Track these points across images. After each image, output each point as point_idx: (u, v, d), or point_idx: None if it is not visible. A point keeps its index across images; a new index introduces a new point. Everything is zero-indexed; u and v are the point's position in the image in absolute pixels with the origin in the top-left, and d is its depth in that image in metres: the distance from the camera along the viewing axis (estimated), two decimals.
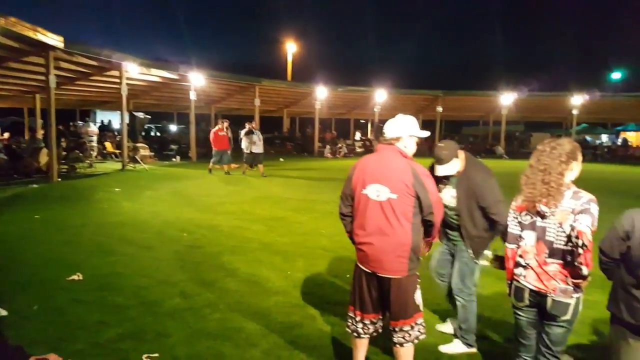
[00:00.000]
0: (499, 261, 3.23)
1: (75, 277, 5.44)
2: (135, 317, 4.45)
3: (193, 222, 8.56)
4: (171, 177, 15.78)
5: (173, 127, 38.65)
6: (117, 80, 18.02)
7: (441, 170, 3.70)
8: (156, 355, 3.72)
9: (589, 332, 4.34)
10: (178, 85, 22.55)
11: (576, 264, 2.62)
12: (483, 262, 3.79)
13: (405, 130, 3.23)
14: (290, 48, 40.71)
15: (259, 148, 15.99)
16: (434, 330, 4.31)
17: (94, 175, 15.77)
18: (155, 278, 5.54)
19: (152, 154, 21.85)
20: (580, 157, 2.79)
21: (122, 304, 4.76)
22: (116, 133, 25.76)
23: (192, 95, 21.55)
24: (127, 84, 18.09)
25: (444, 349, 3.98)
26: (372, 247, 3.16)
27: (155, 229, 8.02)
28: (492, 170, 3.94)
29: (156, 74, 20.52)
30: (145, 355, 3.70)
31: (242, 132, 16.38)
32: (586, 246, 2.60)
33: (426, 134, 3.38)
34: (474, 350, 3.97)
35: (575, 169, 2.77)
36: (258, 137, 15.94)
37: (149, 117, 20.25)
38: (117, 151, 20.33)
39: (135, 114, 18.73)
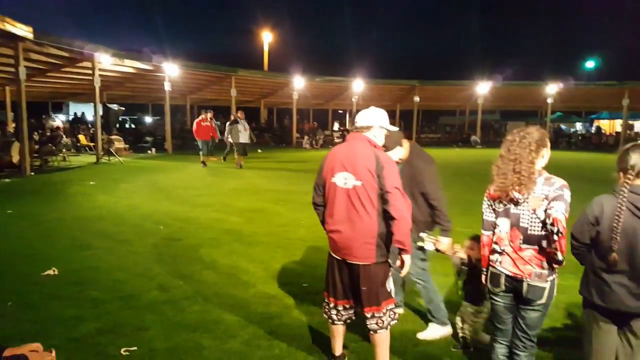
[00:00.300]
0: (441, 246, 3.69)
1: (50, 272, 5.35)
2: (113, 311, 4.41)
3: (170, 215, 8.48)
4: (147, 170, 15.60)
5: (148, 119, 38.11)
6: (90, 72, 17.68)
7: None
8: (134, 348, 3.70)
9: (563, 315, 4.44)
10: (152, 76, 22.21)
11: (551, 249, 2.67)
12: (420, 244, 3.97)
13: (376, 120, 3.31)
14: (267, 38, 40.35)
15: (244, 138, 15.84)
16: (417, 318, 4.36)
17: (68, 169, 15.49)
18: (132, 271, 5.49)
19: (127, 146, 21.55)
20: (548, 144, 2.83)
21: (98, 298, 4.70)
22: (90, 125, 25.30)
23: (167, 86, 21.28)
24: (100, 75, 17.75)
25: (422, 335, 4.06)
26: (340, 234, 3.23)
27: (132, 222, 7.93)
28: (433, 159, 4.12)
29: (129, 65, 20.18)
30: (124, 349, 3.67)
31: (227, 123, 16.47)
32: (561, 233, 2.64)
33: (395, 129, 3.48)
34: (448, 328, 4.07)
35: (546, 155, 2.81)
36: (244, 127, 15.83)
37: (123, 109, 19.91)
38: (91, 144, 19.98)
39: (109, 105, 18.40)
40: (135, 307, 4.52)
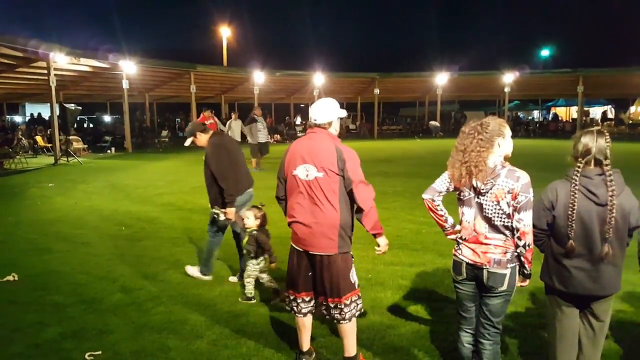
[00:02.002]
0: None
1: (9, 277, 5.20)
2: (75, 315, 4.32)
3: (131, 215, 8.33)
4: (106, 170, 15.22)
5: (107, 118, 37.16)
6: (45, 72, 17.13)
7: (186, 142, 5.18)
8: (99, 352, 3.64)
9: (527, 301, 4.54)
10: (110, 74, 21.72)
11: (514, 240, 2.76)
12: (215, 214, 5.04)
13: (333, 114, 3.34)
14: (225, 33, 39.86)
15: (264, 136, 14.47)
16: (383, 310, 4.39)
17: (25, 171, 14.98)
18: (94, 274, 5.39)
19: (86, 146, 20.98)
20: (507, 133, 2.83)
21: (60, 302, 4.60)
22: (47, 126, 24.50)
23: (125, 84, 20.76)
24: (56, 75, 17.24)
25: (189, 270, 5.26)
26: (301, 226, 3.26)
27: (92, 224, 7.75)
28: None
29: (86, 64, 19.66)
30: (88, 354, 3.60)
31: (232, 121, 15.15)
32: (529, 245, 2.73)
33: (344, 113, 3.54)
34: (207, 278, 5.18)
35: (503, 145, 2.80)
36: (263, 125, 14.41)
37: (80, 108, 19.35)
38: (49, 145, 19.36)
39: (66, 105, 17.85)
40: (99, 310, 4.44)
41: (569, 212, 2.62)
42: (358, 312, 3.37)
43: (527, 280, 2.89)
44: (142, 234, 7.13)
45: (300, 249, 3.32)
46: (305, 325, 3.48)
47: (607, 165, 2.62)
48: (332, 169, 3.16)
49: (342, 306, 3.26)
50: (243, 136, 15.25)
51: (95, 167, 15.92)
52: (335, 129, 3.37)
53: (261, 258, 4.68)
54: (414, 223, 7.62)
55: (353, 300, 3.31)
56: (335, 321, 3.34)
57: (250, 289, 4.65)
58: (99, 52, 19.33)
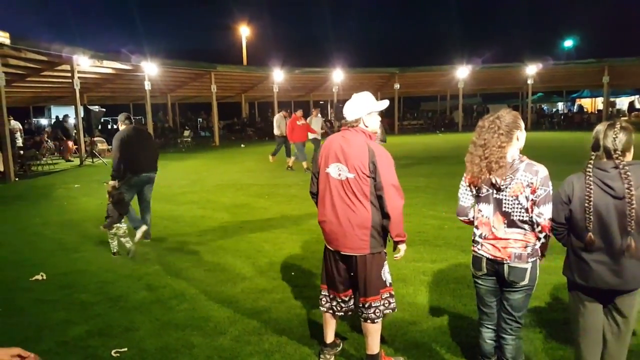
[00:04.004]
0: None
1: (38, 277, 5.33)
2: (102, 313, 4.41)
3: (155, 214, 8.34)
4: None
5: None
6: (69, 74, 17.46)
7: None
8: (125, 349, 3.70)
9: (551, 296, 4.49)
10: (132, 76, 21.98)
11: (535, 233, 2.75)
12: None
13: (361, 110, 3.25)
14: (244, 32, 40.09)
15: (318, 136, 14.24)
16: (405, 306, 4.38)
17: (52, 173, 15.32)
18: (119, 273, 5.49)
19: (110, 147, 21.28)
20: (522, 126, 2.83)
21: (87, 300, 4.70)
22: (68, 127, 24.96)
23: (147, 85, 21.05)
24: (80, 77, 17.55)
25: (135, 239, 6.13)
26: (332, 225, 3.23)
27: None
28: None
29: (108, 66, 19.95)
30: (114, 351, 3.68)
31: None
32: (549, 236, 2.73)
33: (385, 104, 3.36)
34: (142, 229, 6.24)
35: (521, 138, 2.81)
36: (318, 126, 14.42)
37: (104, 110, 19.69)
38: (74, 147, 19.75)
39: (90, 107, 18.18)
40: (124, 308, 4.52)
41: (586, 205, 2.58)
42: (390, 311, 3.35)
43: (543, 259, 2.91)
44: (165, 232, 7.23)
45: (333, 249, 3.30)
46: (331, 322, 3.50)
47: (617, 157, 2.54)
48: (364, 170, 3.11)
49: (377, 304, 3.24)
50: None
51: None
52: (365, 125, 3.26)
53: (117, 224, 6.04)
54: (436, 219, 7.56)
55: (385, 297, 3.29)
56: (367, 320, 3.28)
57: (113, 245, 6.12)
58: (121, 54, 19.63)
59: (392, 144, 20.35)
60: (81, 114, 17.69)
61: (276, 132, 15.01)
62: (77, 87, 17.04)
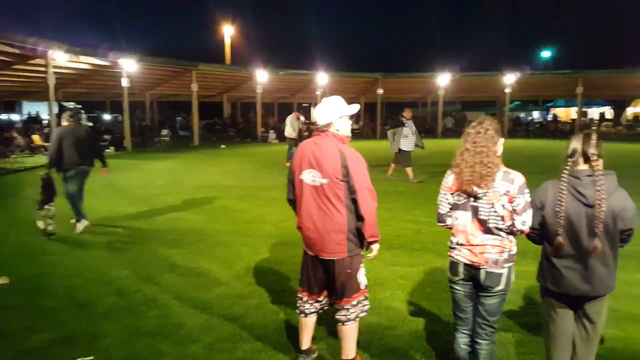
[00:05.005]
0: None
1: (0, 281, 5.09)
2: (67, 319, 4.22)
3: (129, 216, 8.23)
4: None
5: (106, 117, 37.03)
6: (44, 69, 17.02)
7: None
8: (90, 358, 3.54)
9: (524, 301, 4.51)
10: (110, 72, 21.57)
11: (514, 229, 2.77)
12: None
13: (332, 114, 3.23)
14: (228, 31, 39.78)
15: (410, 144, 11.75)
16: (382, 310, 4.35)
17: (21, 171, 14.85)
18: (88, 277, 5.28)
19: None
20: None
21: (52, 306, 4.49)
22: (45, 125, 24.39)
23: (125, 82, 20.64)
24: (55, 73, 17.15)
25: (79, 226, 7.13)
26: (310, 231, 3.24)
27: (88, 225, 7.62)
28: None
29: (85, 61, 19.55)
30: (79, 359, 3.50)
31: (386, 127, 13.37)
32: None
33: (355, 108, 3.35)
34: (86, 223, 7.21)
35: (501, 145, 2.87)
36: (411, 130, 11.74)
37: (80, 106, 19.24)
38: (46, 144, 19.23)
39: (65, 104, 17.75)
40: (92, 314, 4.33)
41: (556, 210, 2.65)
42: (364, 313, 3.37)
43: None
44: (139, 235, 7.02)
45: (313, 254, 3.31)
46: (308, 324, 3.48)
47: (594, 161, 2.62)
48: (337, 175, 3.11)
49: (349, 306, 3.27)
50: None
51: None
52: (336, 129, 3.24)
53: (52, 205, 6.88)
54: (414, 223, 7.56)
55: (360, 300, 3.32)
56: (339, 323, 3.31)
57: (40, 224, 6.84)
58: (99, 49, 19.22)
59: (374, 148, 20.48)
60: (55, 110, 17.23)
61: (288, 134, 14.49)
62: (51, 83, 16.61)
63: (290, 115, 15.13)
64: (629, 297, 4.54)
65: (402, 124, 11.67)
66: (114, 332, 3.98)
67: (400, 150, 11.60)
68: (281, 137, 27.84)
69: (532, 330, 3.91)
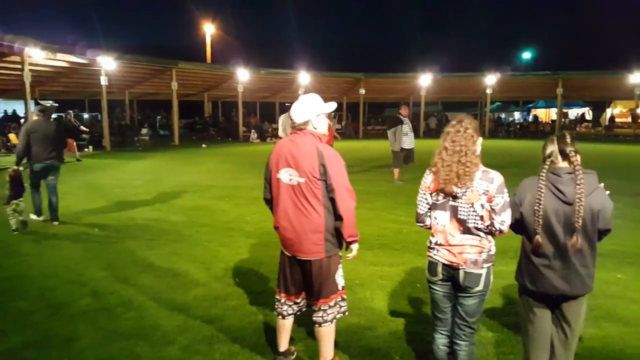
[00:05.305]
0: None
1: None
2: (40, 322, 4.12)
3: (106, 216, 8.09)
4: (83, 169, 14.85)
5: (85, 116, 36.41)
6: (19, 67, 16.65)
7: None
8: None
9: (504, 301, 4.52)
10: (88, 70, 21.22)
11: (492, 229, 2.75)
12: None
13: (310, 112, 3.18)
14: (209, 29, 39.46)
15: (410, 142, 11.43)
16: (362, 311, 4.33)
17: None
18: (63, 278, 5.17)
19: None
20: None
21: (25, 309, 4.38)
22: (22, 123, 23.89)
23: (103, 81, 20.32)
24: (31, 70, 16.78)
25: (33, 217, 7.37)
26: (286, 231, 3.19)
27: (64, 225, 7.48)
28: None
29: (63, 59, 19.18)
30: None
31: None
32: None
33: (332, 106, 3.29)
34: (40, 217, 7.49)
35: (479, 144, 2.85)
36: (409, 128, 11.47)
37: (57, 105, 18.92)
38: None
39: (42, 102, 17.41)
40: (66, 316, 4.24)
41: (535, 208, 2.65)
42: (341, 315, 3.32)
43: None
44: (116, 235, 6.90)
45: (290, 255, 3.25)
46: (286, 326, 3.44)
47: (573, 156, 2.63)
48: (314, 174, 3.06)
49: (326, 307, 3.23)
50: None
51: (71, 166, 15.45)
52: (314, 128, 3.19)
53: (14, 202, 6.88)
54: (395, 222, 7.57)
55: (337, 301, 3.27)
56: (317, 324, 3.26)
57: (12, 223, 6.91)
58: (76, 47, 18.86)
59: (356, 148, 20.55)
60: (32, 109, 16.88)
61: (281, 133, 14.40)
62: (27, 81, 16.27)
63: (283, 115, 14.92)
64: (607, 295, 4.58)
65: (401, 122, 11.43)
66: (89, 334, 3.90)
67: (402, 149, 11.33)
68: (262, 136, 27.89)
69: (512, 329, 3.91)
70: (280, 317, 3.40)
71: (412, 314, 4.30)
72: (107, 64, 20.00)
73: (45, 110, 7.92)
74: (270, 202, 3.36)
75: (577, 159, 2.64)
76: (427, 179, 2.92)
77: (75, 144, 16.86)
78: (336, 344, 3.43)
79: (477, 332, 2.99)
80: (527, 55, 50.56)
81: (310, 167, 3.05)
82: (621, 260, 5.61)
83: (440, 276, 2.88)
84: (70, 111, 17.56)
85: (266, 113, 38.39)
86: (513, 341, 3.74)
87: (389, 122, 12.03)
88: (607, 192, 2.73)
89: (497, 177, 2.73)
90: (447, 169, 2.75)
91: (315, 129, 3.20)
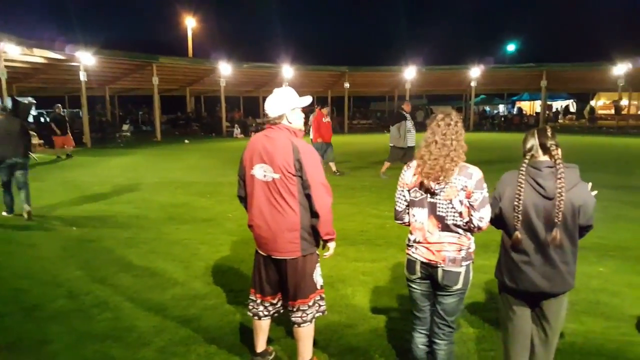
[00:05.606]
0: None
1: None
2: (12, 325, 4.01)
3: (84, 214, 7.93)
4: (62, 166, 14.58)
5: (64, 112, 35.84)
6: None
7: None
8: None
9: (485, 296, 4.50)
10: (66, 66, 20.85)
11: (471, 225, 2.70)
12: None
13: (284, 106, 3.09)
14: (190, 23, 39.04)
15: (413, 139, 10.99)
16: (342, 308, 4.28)
17: None
18: (38, 279, 5.04)
19: (42, 141, 20.12)
20: None
21: None
22: None
23: (82, 76, 19.97)
24: (7, 67, 16.43)
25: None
26: (261, 229, 3.10)
27: (41, 224, 7.33)
28: None
29: (40, 55, 18.80)
30: None
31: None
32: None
33: (307, 100, 3.20)
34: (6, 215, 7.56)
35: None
36: (412, 124, 11.15)
37: (34, 102, 18.56)
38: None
39: (19, 99, 17.05)
40: (40, 318, 4.13)
41: (515, 204, 2.59)
42: (320, 314, 3.25)
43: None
44: (94, 234, 6.76)
45: (265, 254, 3.16)
46: (262, 327, 3.36)
47: (554, 152, 2.58)
48: (289, 169, 2.96)
49: (305, 307, 3.15)
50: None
51: (50, 164, 15.20)
52: (289, 122, 3.10)
53: None
54: (379, 218, 7.54)
55: (316, 301, 3.20)
56: (295, 325, 3.19)
57: None
58: (53, 42, 18.49)
59: (341, 143, 20.47)
60: (9, 105, 16.55)
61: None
62: (3, 77, 15.92)
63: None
64: (589, 289, 4.58)
65: (405, 118, 11.13)
66: (62, 336, 3.79)
67: (405, 147, 10.92)
68: (246, 131, 27.68)
69: (494, 325, 3.88)
70: (256, 317, 3.33)
71: (394, 310, 4.26)
72: (86, 60, 19.68)
73: (5, 108, 7.96)
74: (244, 199, 3.26)
75: (558, 152, 2.59)
76: (406, 175, 2.86)
77: (69, 138, 16.51)
78: (315, 343, 3.38)
79: (458, 330, 2.94)
80: (511, 47, 50.81)
81: (285, 163, 2.97)
82: (603, 253, 5.63)
83: (418, 274, 2.83)
84: (59, 105, 17.15)
85: (250, 108, 38.10)
86: (494, 337, 3.70)
87: (392, 118, 11.87)
88: (595, 192, 2.69)
89: (476, 173, 2.67)
90: (434, 162, 2.67)
91: (290, 123, 3.10)
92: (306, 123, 16.29)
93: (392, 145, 11.22)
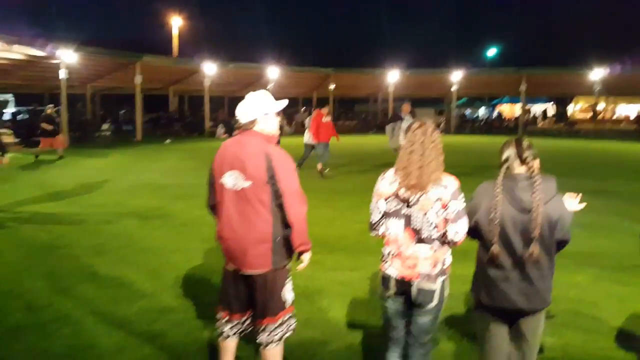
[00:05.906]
0: None
1: None
2: None
3: (54, 219, 7.63)
4: (36, 167, 14.12)
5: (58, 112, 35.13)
6: None
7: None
8: None
9: (464, 307, 4.37)
10: (47, 64, 20.42)
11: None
12: None
13: (256, 110, 2.92)
14: (176, 22, 38.63)
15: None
16: (317, 323, 4.10)
17: None
18: None
19: (18, 140, 19.59)
20: None
21: None
22: None
23: (63, 74, 19.54)
24: None
25: None
26: (230, 242, 2.92)
27: (5, 228, 7.02)
28: None
29: (19, 52, 18.36)
30: None
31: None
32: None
33: (283, 103, 3.03)
34: None
35: None
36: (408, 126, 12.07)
37: (10, 99, 18.09)
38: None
39: None
40: None
41: (491, 217, 2.50)
42: (290, 332, 3.05)
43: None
44: (62, 240, 6.47)
45: (233, 269, 2.95)
46: (228, 348, 3.13)
47: (531, 164, 2.50)
48: (261, 177, 2.79)
49: (272, 327, 2.94)
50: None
51: (24, 164, 14.70)
52: (261, 128, 2.92)
53: None
54: (359, 223, 7.33)
55: (284, 320, 2.99)
56: (261, 346, 2.98)
57: None
58: (33, 39, 18.09)
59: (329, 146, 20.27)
60: None
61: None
62: None
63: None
64: (567, 299, 4.48)
65: (400, 119, 11.31)
66: (16, 355, 3.55)
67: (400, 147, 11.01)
68: (230, 131, 27.35)
69: (472, 339, 3.69)
70: (221, 337, 3.12)
71: (371, 325, 4.07)
72: (67, 57, 19.26)
73: None
74: (214, 209, 3.06)
75: (535, 164, 2.51)
76: (381, 185, 2.72)
77: (58, 140, 15.96)
78: None
79: (434, 347, 2.80)
80: (492, 51, 51.22)
81: (257, 170, 2.79)
82: (581, 261, 5.55)
83: (392, 290, 2.70)
84: (51, 105, 16.71)
85: (235, 108, 37.66)
86: (473, 352, 3.52)
87: (390, 117, 12.18)
88: (583, 204, 2.67)
89: (452, 183, 2.57)
90: (419, 171, 2.56)
91: (263, 129, 2.93)
92: (290, 124, 16.17)
93: (393, 147, 11.18)
